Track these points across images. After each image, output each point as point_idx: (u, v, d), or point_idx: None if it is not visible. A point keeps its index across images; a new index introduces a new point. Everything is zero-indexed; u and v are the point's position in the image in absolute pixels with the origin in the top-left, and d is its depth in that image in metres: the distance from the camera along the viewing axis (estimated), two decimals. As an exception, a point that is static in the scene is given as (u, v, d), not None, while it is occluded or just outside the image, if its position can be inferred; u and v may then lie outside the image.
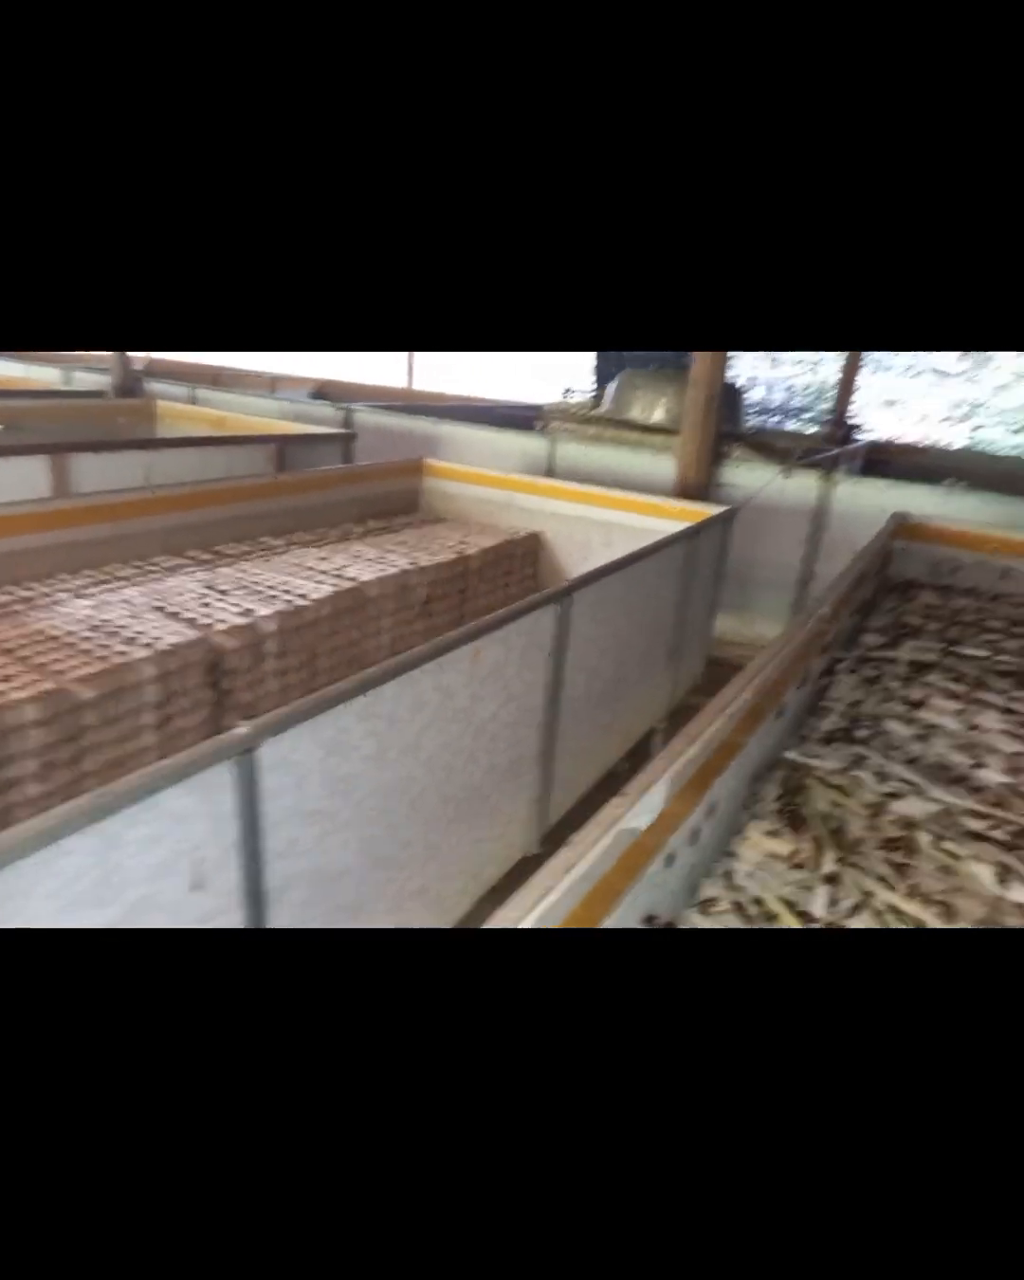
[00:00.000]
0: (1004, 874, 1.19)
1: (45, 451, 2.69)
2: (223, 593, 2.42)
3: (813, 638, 1.56)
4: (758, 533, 3.95)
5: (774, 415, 7.26)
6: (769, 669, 1.29)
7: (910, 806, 1.35)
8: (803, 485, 3.87)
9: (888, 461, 6.19)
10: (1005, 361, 7.17)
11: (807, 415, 7.09)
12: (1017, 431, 7.14)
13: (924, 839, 1.26)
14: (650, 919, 0.98)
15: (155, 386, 5.50)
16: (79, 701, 1.82)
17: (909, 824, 1.30)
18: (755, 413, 7.11)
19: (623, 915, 0.91)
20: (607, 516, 3.45)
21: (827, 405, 7.13)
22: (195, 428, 4.33)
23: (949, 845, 1.24)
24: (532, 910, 0.69)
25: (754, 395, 7.80)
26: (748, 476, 3.99)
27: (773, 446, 4.34)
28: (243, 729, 1.11)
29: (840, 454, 5.16)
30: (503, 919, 0.67)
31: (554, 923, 0.72)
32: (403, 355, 9.15)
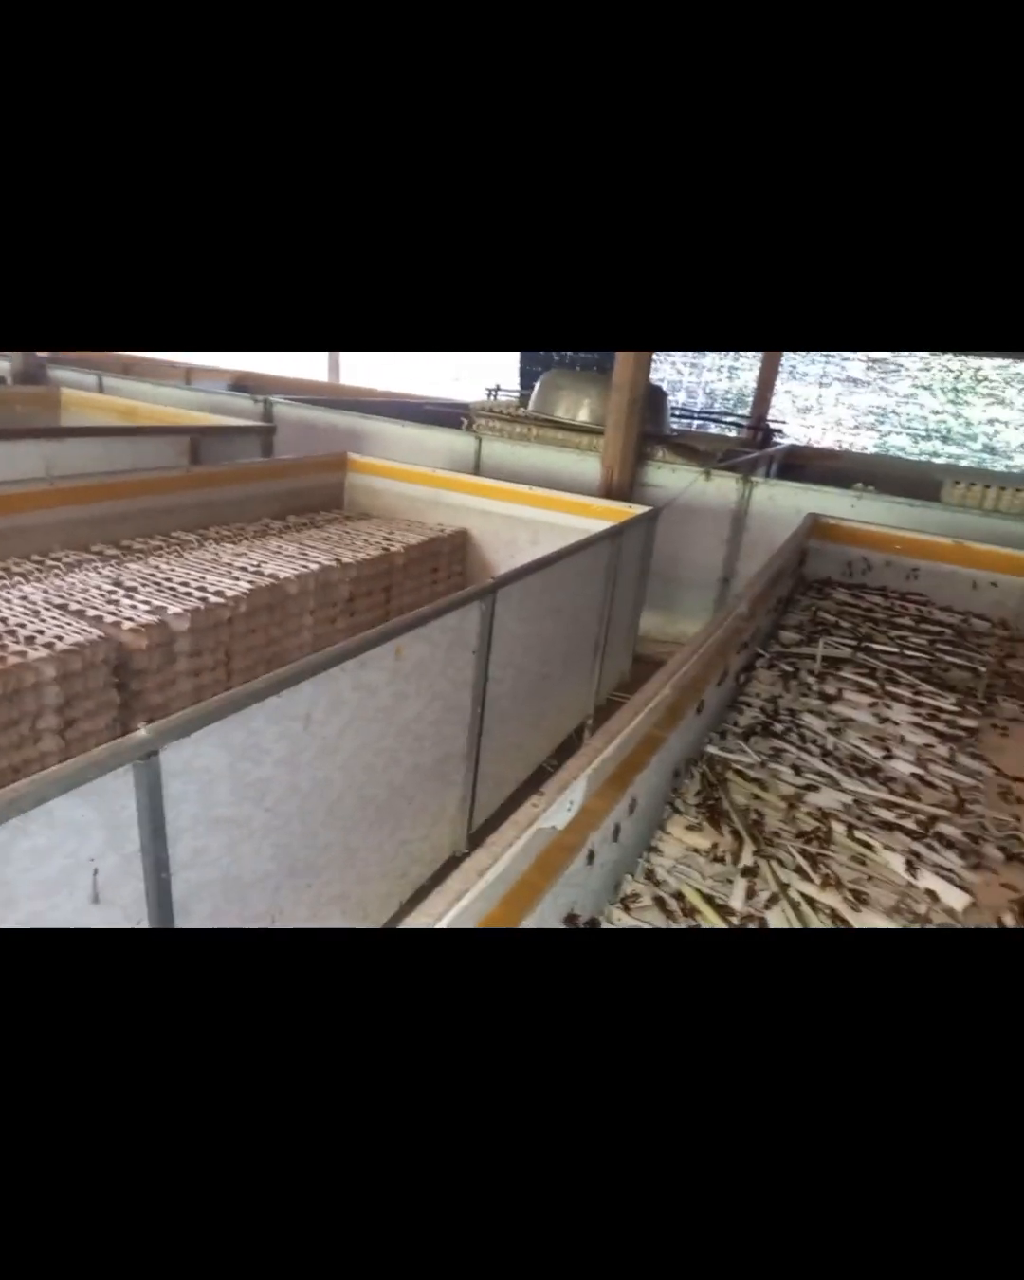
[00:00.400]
0: (914, 862, 1.22)
1: (-68, 439, 2.50)
2: (130, 590, 2.30)
3: (731, 635, 1.58)
4: (681, 532, 4.03)
5: (696, 419, 7.43)
6: (689, 666, 1.30)
7: (825, 798, 1.39)
8: (723, 487, 3.96)
9: (803, 465, 6.41)
10: (912, 371, 7.53)
11: (727, 419, 7.27)
12: (922, 438, 7.51)
13: (839, 829, 1.28)
14: (572, 917, 0.97)
15: (61, 374, 5.22)
16: (-31, 705, 1.69)
17: (824, 815, 1.32)
18: (678, 416, 7.26)
19: (543, 914, 0.89)
20: (533, 515, 3.45)
21: (745, 410, 7.33)
22: (103, 417, 4.12)
23: (861, 835, 1.28)
24: (448, 911, 0.66)
25: (677, 399, 7.96)
26: (671, 478, 4.06)
27: (695, 449, 4.43)
28: (143, 732, 1.05)
29: (759, 457, 5.31)
30: (418, 921, 0.64)
31: (470, 923, 0.70)
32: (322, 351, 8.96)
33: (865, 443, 7.73)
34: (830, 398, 7.73)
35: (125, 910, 1.12)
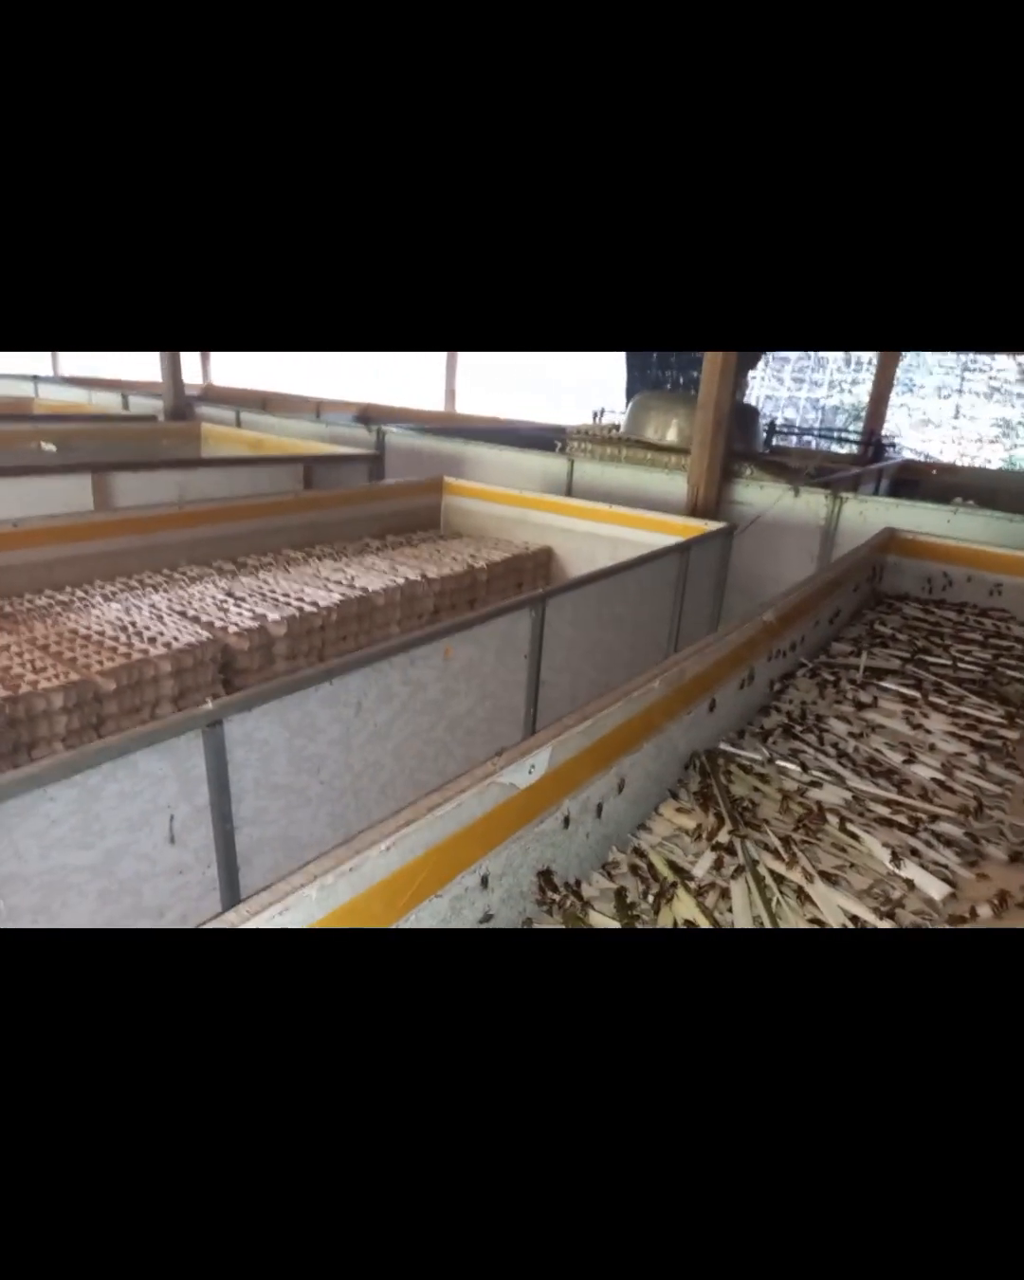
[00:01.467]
0: (900, 855, 1.28)
1: (88, 470, 2.97)
2: (240, 599, 2.64)
3: (752, 640, 1.67)
4: (768, 549, 4.03)
5: (804, 435, 7.30)
6: (692, 661, 1.41)
7: (827, 794, 1.45)
8: (812, 503, 3.94)
9: (918, 481, 6.17)
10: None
11: (838, 434, 7.10)
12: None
13: (831, 822, 1.35)
14: (546, 872, 1.12)
15: (204, 410, 5.86)
16: (102, 691, 2.03)
17: (821, 808, 1.39)
18: (787, 433, 7.16)
19: (510, 860, 1.04)
20: (614, 532, 3.59)
21: (858, 424, 7.13)
22: (236, 449, 4.63)
23: (853, 828, 1.34)
24: (392, 835, 0.83)
25: (786, 415, 7.85)
26: (759, 495, 4.08)
27: (786, 465, 4.42)
28: (209, 704, 1.29)
29: (863, 473, 5.19)
30: (365, 839, 0.82)
31: (417, 851, 0.87)
32: (442, 379, 9.48)
33: (992, 456, 7.33)
34: (950, 411, 7.39)
35: (196, 853, 1.36)
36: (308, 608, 2.61)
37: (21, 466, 3.11)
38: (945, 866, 1.29)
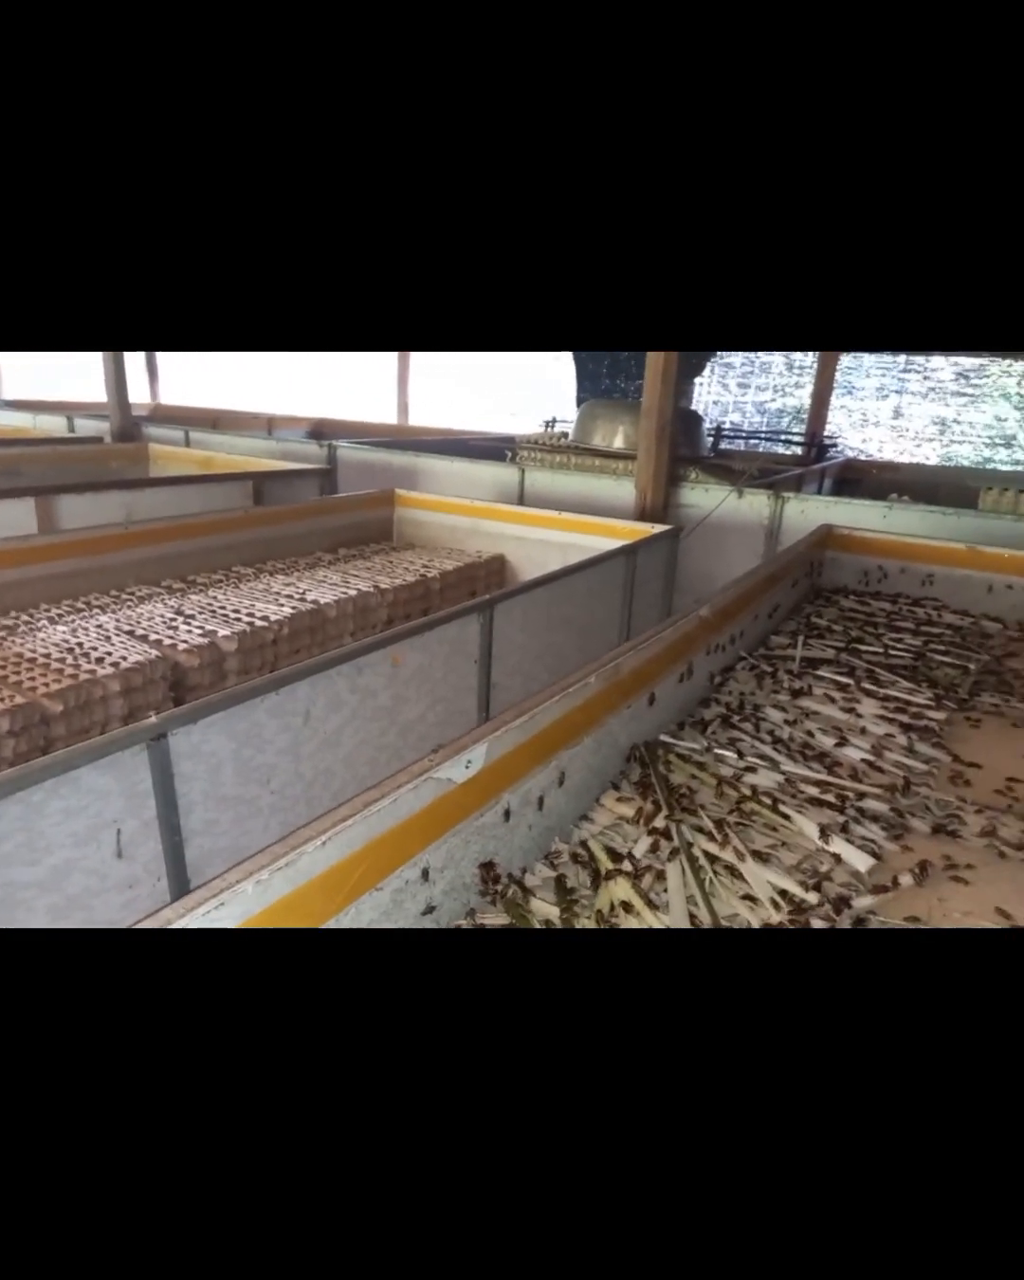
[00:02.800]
0: (828, 831, 1.34)
1: (32, 493, 2.94)
2: (189, 617, 2.64)
3: (687, 635, 1.73)
4: (715, 549, 4.14)
5: (749, 439, 7.49)
6: (624, 657, 1.47)
7: (762, 778, 1.51)
8: (756, 504, 4.06)
9: (859, 479, 6.37)
10: (974, 380, 7.38)
11: (782, 437, 7.30)
12: (992, 446, 7.31)
13: (763, 804, 1.41)
14: (488, 864, 1.15)
15: (153, 430, 5.82)
16: (48, 713, 2.02)
17: (755, 792, 1.45)
18: (732, 437, 7.33)
19: (450, 853, 1.08)
20: (565, 538, 3.65)
21: (802, 427, 7.34)
22: (184, 468, 4.61)
23: (785, 809, 1.40)
24: (328, 831, 0.86)
25: (731, 419, 8.05)
26: (704, 497, 4.18)
27: (730, 468, 4.54)
28: (153, 719, 1.31)
29: (806, 473, 5.35)
30: (301, 836, 0.85)
31: (355, 845, 0.90)
32: (395, 392, 9.52)
33: (929, 454, 7.59)
34: (890, 411, 7.65)
35: (145, 865, 1.37)
36: (258, 622, 2.62)
37: (-39, 492, 3.07)
38: (873, 841, 1.35)
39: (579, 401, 8.22)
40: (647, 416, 4.05)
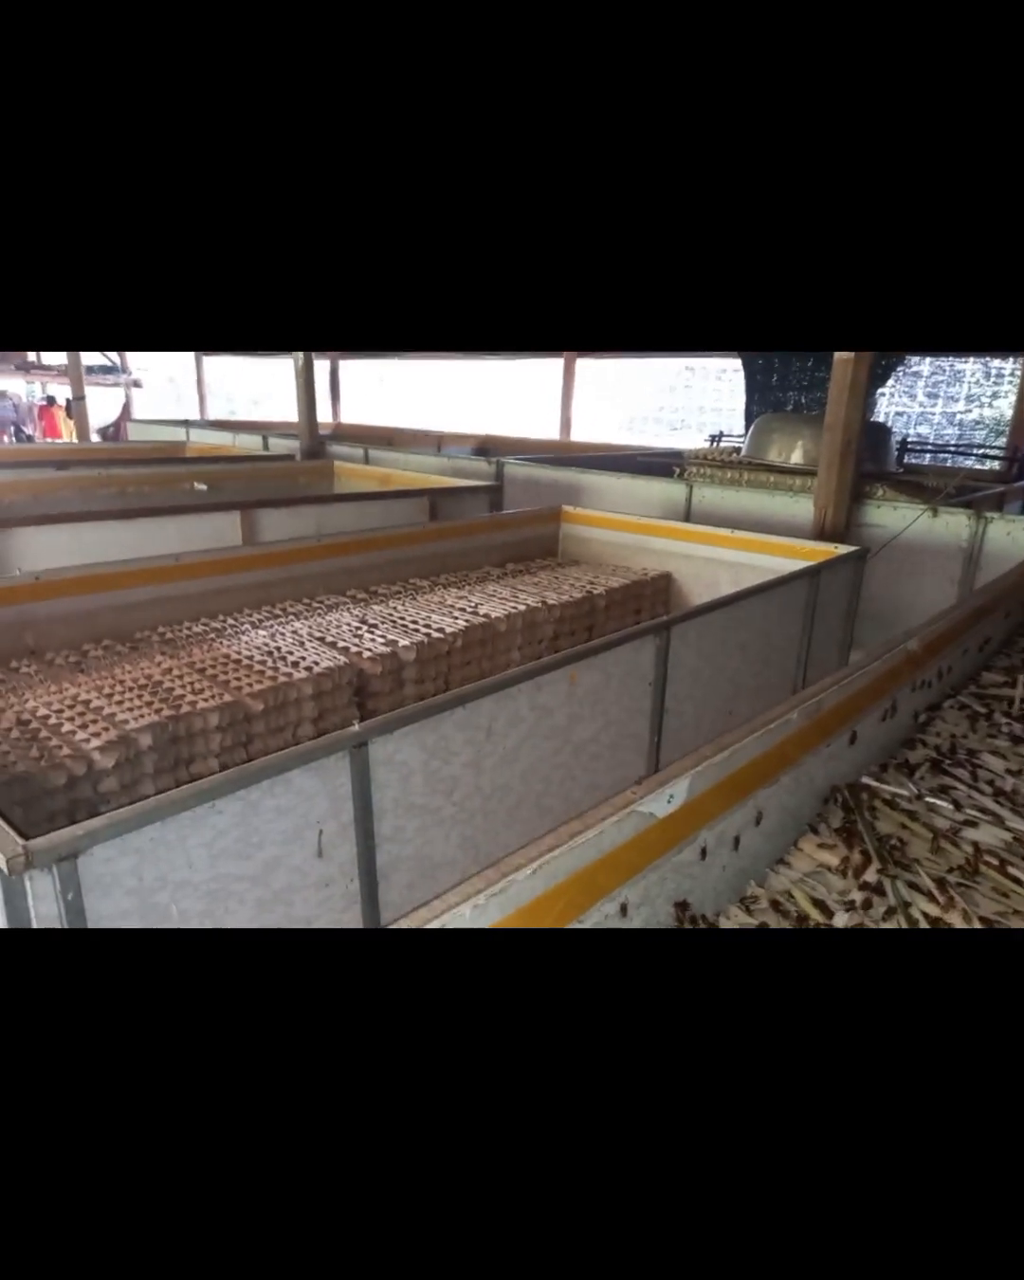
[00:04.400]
0: (1070, 903, 1.18)
1: (237, 508, 3.22)
2: (372, 626, 2.78)
3: (894, 669, 1.60)
4: (906, 573, 3.84)
5: (941, 453, 6.92)
6: (828, 692, 1.37)
7: (984, 834, 1.36)
8: (953, 524, 3.73)
9: (1072, 497, 5.70)
10: None
11: (978, 450, 6.68)
12: None
13: (990, 864, 1.27)
14: (682, 903, 1.11)
15: (336, 448, 6.22)
16: (251, 712, 2.19)
17: (978, 850, 1.31)
18: (921, 450, 6.80)
19: (647, 890, 1.05)
20: (736, 557, 3.52)
21: (1003, 441, 6.69)
22: (365, 484, 4.89)
23: (1015, 872, 1.25)
24: (537, 860, 0.86)
25: (922, 431, 7.47)
26: (891, 516, 3.90)
27: (922, 485, 4.20)
28: (356, 727, 1.37)
29: (1007, 491, 4.87)
30: (509, 863, 0.85)
31: (563, 874, 0.89)
32: (558, 409, 9.64)
33: None
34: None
35: (341, 867, 1.44)
36: (435, 634, 2.71)
37: (178, 505, 3.42)
38: (1124, 919, 1.18)
39: (748, 414, 7.95)
40: (831, 430, 3.83)
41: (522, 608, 3.04)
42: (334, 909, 1.42)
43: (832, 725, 1.42)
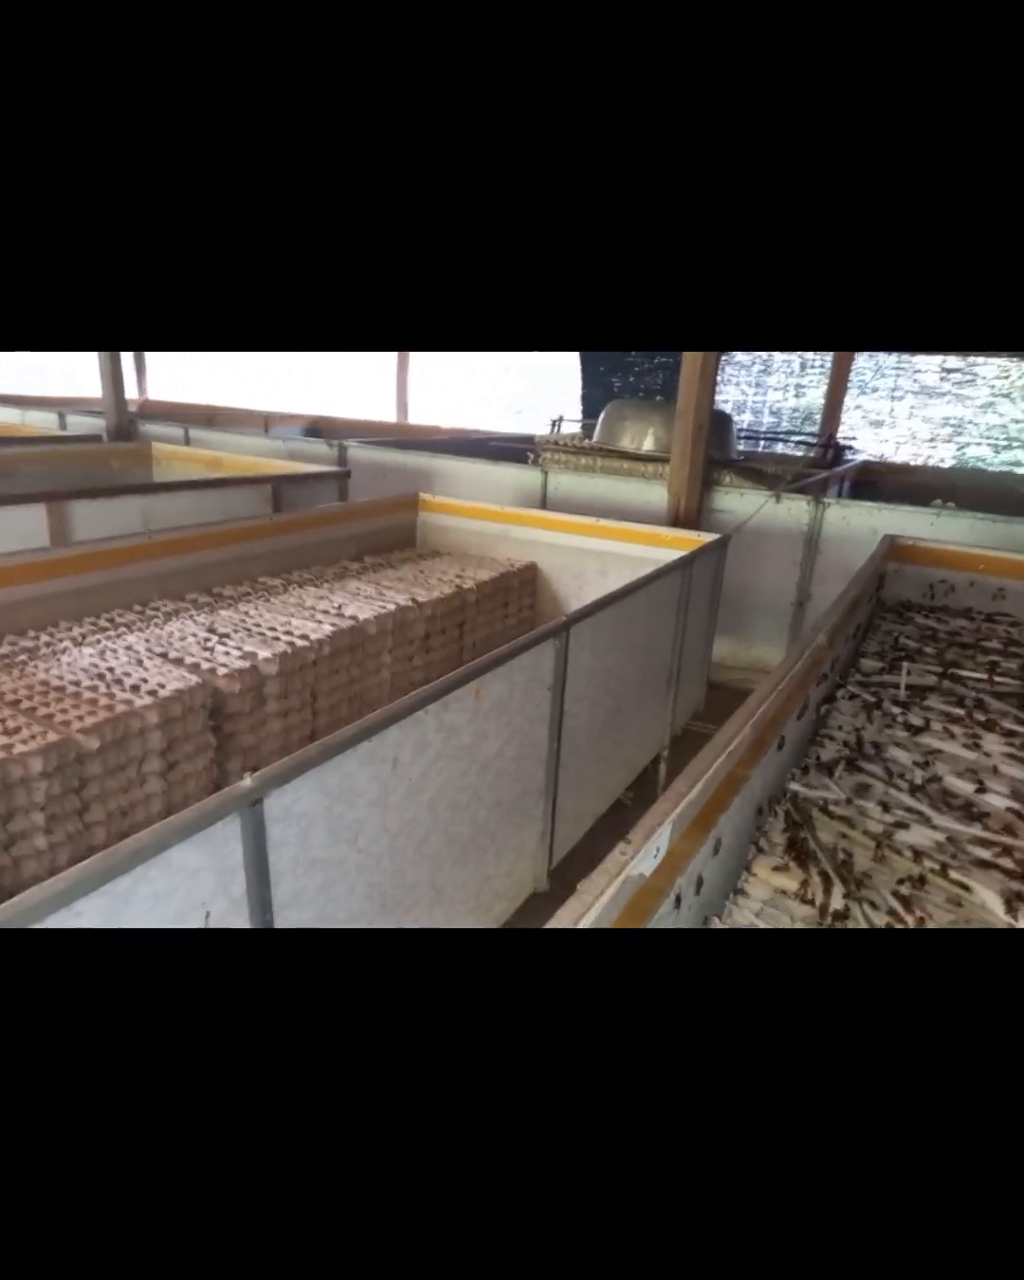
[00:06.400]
0: (1015, 903, 1.18)
1: (43, 500, 2.72)
2: (224, 636, 2.44)
3: (811, 666, 1.57)
4: (752, 557, 3.99)
5: (763, 440, 7.36)
6: (770, 702, 1.30)
7: (916, 836, 1.36)
8: (794, 509, 3.91)
9: (877, 482, 6.26)
10: (988, 379, 7.29)
11: (795, 438, 7.17)
12: (1001, 449, 7.23)
13: (931, 869, 1.26)
14: (661, 962, 0.98)
15: (150, 428, 5.57)
16: (84, 751, 1.82)
17: (917, 854, 1.30)
18: (744, 438, 7.20)
19: (634, 961, 0.91)
20: (601, 546, 3.48)
21: (814, 428, 7.22)
22: (191, 469, 4.38)
23: (957, 875, 1.24)
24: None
25: (743, 420, 7.91)
26: (739, 502, 4.03)
27: (763, 472, 4.39)
28: (248, 781, 1.12)
29: (829, 477, 5.22)
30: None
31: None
32: (394, 389, 9.28)
33: (944, 455, 7.50)
34: (904, 411, 7.54)
35: (233, 949, 1.18)
36: (298, 641, 2.42)
37: (-38, 497, 2.84)
38: (1058, 913, 1.20)
39: (585, 398, 8.06)
40: (682, 417, 3.89)
41: (390, 606, 2.81)
42: (230, 1001, 1.17)
43: (770, 735, 1.35)
